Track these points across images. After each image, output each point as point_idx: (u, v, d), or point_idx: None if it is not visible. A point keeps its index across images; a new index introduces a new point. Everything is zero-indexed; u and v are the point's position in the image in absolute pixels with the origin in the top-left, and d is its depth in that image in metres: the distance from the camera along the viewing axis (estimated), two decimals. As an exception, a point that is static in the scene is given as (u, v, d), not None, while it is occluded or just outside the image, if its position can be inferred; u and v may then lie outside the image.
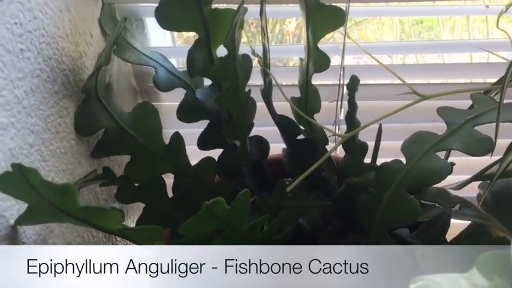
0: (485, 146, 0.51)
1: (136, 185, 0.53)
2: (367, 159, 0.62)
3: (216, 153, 0.59)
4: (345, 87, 0.60)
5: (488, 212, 0.65)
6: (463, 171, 0.67)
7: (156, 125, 0.54)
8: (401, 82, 0.56)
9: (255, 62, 0.57)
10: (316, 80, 0.63)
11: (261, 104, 0.59)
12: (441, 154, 0.59)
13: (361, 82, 0.59)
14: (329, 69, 0.69)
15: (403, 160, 0.53)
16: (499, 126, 0.51)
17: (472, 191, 0.67)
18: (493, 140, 0.51)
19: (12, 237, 0.35)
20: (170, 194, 0.55)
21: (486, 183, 0.66)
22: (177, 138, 0.56)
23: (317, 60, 0.55)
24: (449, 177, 0.73)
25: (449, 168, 0.50)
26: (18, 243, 0.36)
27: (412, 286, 0.31)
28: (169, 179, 0.56)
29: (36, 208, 0.35)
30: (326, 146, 0.60)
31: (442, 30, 1.31)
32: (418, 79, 0.70)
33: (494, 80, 0.70)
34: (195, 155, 0.58)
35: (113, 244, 0.57)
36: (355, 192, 0.57)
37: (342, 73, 0.66)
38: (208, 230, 0.40)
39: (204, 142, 0.58)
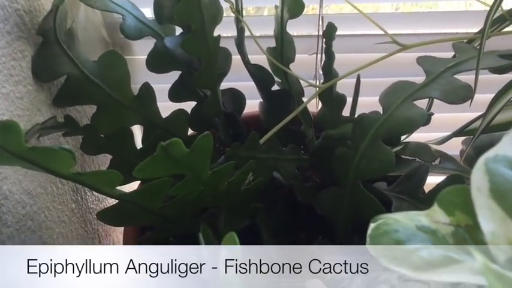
0: (464, 94, 0.49)
1: (103, 136, 0.51)
2: (346, 113, 0.60)
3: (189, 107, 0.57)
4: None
5: (470, 167, 0.64)
6: (447, 129, 0.66)
7: (124, 75, 0.52)
8: (382, 32, 0.54)
9: (228, 9, 0.55)
10: (294, 31, 0.61)
11: (237, 57, 0.57)
12: (424, 106, 0.57)
13: (341, 32, 0.57)
14: (308, 19, 0.67)
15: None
16: (478, 74, 0.49)
17: (456, 149, 0.66)
18: (472, 87, 0.49)
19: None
20: (139, 146, 0.53)
21: (469, 139, 0.64)
22: (147, 89, 0.54)
23: (291, 6, 0.53)
24: (432, 134, 0.71)
25: (425, 116, 0.48)
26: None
27: (372, 224, 0.30)
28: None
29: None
30: (303, 98, 0.59)
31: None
32: (400, 29, 0.68)
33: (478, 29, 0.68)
34: (167, 111, 0.56)
35: (81, 199, 0.55)
36: (332, 145, 0.55)
37: (320, 23, 0.64)
38: (166, 174, 0.38)
39: (175, 93, 0.56)
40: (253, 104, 0.63)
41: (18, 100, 0.42)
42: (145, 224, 0.51)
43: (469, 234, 0.28)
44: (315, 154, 0.58)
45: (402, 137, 0.63)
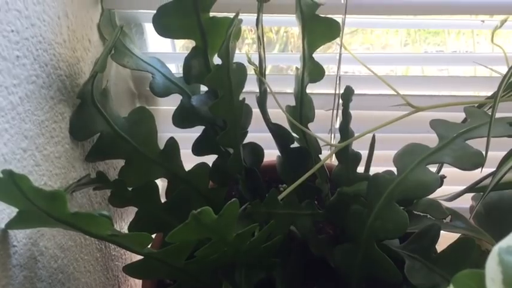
0: (475, 160, 0.51)
1: (130, 189, 0.53)
2: (361, 169, 0.63)
3: (210, 159, 0.60)
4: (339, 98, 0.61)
5: (479, 224, 0.66)
6: (457, 182, 0.68)
7: (151, 130, 0.55)
8: (396, 93, 0.57)
9: (251, 70, 0.58)
10: (313, 88, 0.64)
11: (257, 110, 0.60)
12: (434, 166, 0.60)
13: (357, 92, 0.60)
14: (326, 79, 0.70)
15: (396, 171, 0.54)
16: (490, 141, 0.52)
17: (465, 202, 0.68)
18: (484, 154, 0.52)
19: (3, 241, 0.36)
20: (163, 199, 0.55)
21: (479, 195, 0.66)
22: (172, 143, 0.57)
23: (312, 71, 0.56)
24: (442, 188, 0.73)
25: (438, 182, 0.51)
26: (8, 247, 0.37)
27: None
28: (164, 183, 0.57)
29: (26, 213, 0.35)
30: (319, 155, 0.61)
31: (447, 36, 1.31)
32: (415, 90, 0.71)
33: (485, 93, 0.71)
34: (190, 159, 0.58)
35: (105, 248, 0.57)
36: (346, 202, 0.57)
37: (338, 82, 0.67)
38: (195, 238, 0.41)
39: (198, 148, 0.59)
40: (271, 154, 0.66)
41: (56, 160, 0.44)
42: (168, 278, 0.53)
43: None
44: (329, 209, 0.61)
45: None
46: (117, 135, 0.52)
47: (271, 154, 0.65)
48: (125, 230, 0.65)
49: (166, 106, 0.72)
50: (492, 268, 0.28)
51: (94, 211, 0.38)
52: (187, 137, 0.59)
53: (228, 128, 0.53)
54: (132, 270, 0.47)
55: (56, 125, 0.44)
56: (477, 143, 0.53)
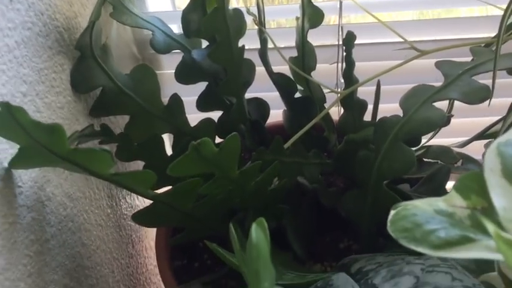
0: (482, 95, 0.51)
1: (136, 144, 0.54)
2: (368, 120, 0.62)
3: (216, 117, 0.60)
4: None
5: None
6: (468, 133, 0.67)
7: (155, 87, 0.55)
8: (401, 39, 0.56)
9: (251, 23, 0.57)
10: (315, 41, 0.63)
11: (260, 69, 0.60)
12: (444, 109, 0.59)
13: (360, 41, 0.59)
14: (328, 30, 0.70)
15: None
16: (496, 74, 0.51)
17: (478, 153, 0.67)
18: (490, 88, 0.51)
19: (7, 180, 0.36)
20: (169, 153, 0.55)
21: (491, 142, 0.65)
22: (176, 99, 0.57)
23: (311, 16, 0.55)
24: (452, 139, 0.72)
25: (444, 116, 0.50)
26: (13, 186, 0.37)
27: (392, 211, 0.31)
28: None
29: (27, 149, 0.36)
30: (324, 104, 0.61)
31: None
32: (419, 36, 0.69)
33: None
34: (195, 122, 0.58)
35: (116, 205, 0.58)
36: (354, 149, 0.57)
37: (340, 33, 0.66)
38: (197, 172, 0.41)
39: (202, 103, 0.59)
40: (276, 114, 0.65)
41: (59, 110, 0.45)
42: (176, 224, 0.54)
43: (484, 216, 0.29)
44: (337, 158, 0.60)
45: (424, 141, 0.65)
46: (121, 91, 0.53)
47: (277, 114, 0.65)
48: (136, 205, 0.66)
49: (170, 70, 0.72)
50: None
51: (94, 146, 0.38)
52: (191, 101, 0.59)
53: (228, 76, 0.52)
54: (140, 217, 0.48)
55: (56, 75, 0.45)
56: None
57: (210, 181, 0.42)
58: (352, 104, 0.59)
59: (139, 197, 0.66)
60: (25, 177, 0.39)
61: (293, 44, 0.60)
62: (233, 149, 0.40)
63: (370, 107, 0.61)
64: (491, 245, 0.28)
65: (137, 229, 0.65)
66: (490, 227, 0.23)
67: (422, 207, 0.31)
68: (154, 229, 0.68)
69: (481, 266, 0.41)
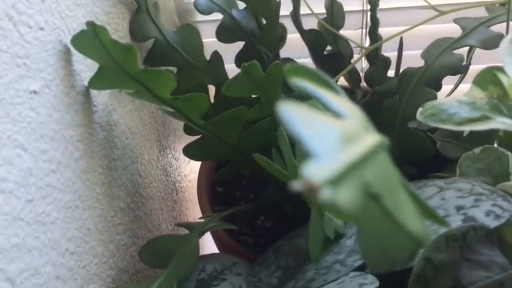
0: (497, 41, 0.56)
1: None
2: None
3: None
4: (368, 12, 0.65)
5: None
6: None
7: (198, 43, 0.61)
8: (424, 3, 0.61)
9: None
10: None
11: (290, 36, 0.66)
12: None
13: (383, 6, 0.65)
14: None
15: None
16: (509, 24, 0.56)
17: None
18: (505, 35, 0.56)
19: (87, 97, 0.42)
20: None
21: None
22: (217, 55, 0.63)
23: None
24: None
25: (462, 60, 0.55)
26: (91, 105, 0.43)
27: (420, 108, 0.37)
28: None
29: (105, 69, 0.42)
30: (352, 60, 0.66)
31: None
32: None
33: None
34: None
35: (163, 150, 0.64)
36: (379, 99, 0.62)
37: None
38: (246, 93, 0.46)
39: (241, 60, 0.65)
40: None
41: (121, 51, 0.51)
42: (222, 158, 0.59)
43: (501, 102, 0.34)
44: (364, 109, 0.65)
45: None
46: (169, 45, 0.59)
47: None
48: (179, 158, 0.72)
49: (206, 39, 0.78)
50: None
51: (161, 67, 0.44)
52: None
53: (266, 28, 0.58)
54: (190, 150, 0.54)
55: (119, 21, 0.51)
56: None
57: (256, 105, 0.48)
58: (376, 59, 0.65)
59: (181, 153, 0.72)
60: (99, 99, 0.45)
61: (323, 10, 0.66)
62: (277, 75, 0.45)
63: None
64: (506, 121, 0.33)
65: (180, 180, 0.71)
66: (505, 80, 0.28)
67: (446, 101, 0.36)
68: (195, 184, 0.75)
69: (498, 178, 0.46)
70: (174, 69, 0.60)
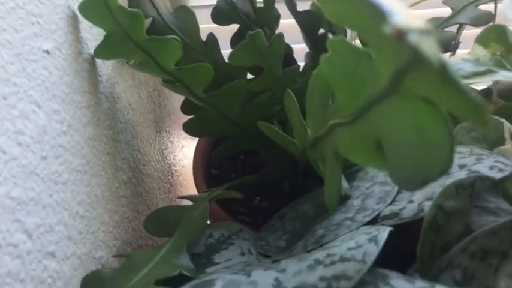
0: (486, 18, 0.58)
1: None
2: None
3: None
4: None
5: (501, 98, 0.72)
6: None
7: (195, 25, 0.62)
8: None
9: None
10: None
11: (283, 22, 0.67)
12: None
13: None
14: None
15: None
16: (497, 3, 0.59)
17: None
18: (493, 13, 0.58)
19: (92, 65, 0.42)
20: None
21: None
22: (212, 37, 0.63)
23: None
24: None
25: (454, 36, 0.57)
26: (96, 74, 0.43)
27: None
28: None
29: (111, 36, 0.42)
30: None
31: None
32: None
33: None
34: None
35: (159, 131, 0.64)
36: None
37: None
38: (250, 63, 0.47)
39: (236, 42, 0.66)
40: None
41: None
42: (222, 134, 0.59)
43: (503, 58, 0.36)
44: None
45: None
46: (166, 25, 0.59)
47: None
48: (174, 142, 0.72)
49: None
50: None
51: (167, 36, 0.44)
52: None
53: (261, 10, 0.59)
54: (189, 126, 0.54)
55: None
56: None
57: (258, 77, 0.48)
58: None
59: (175, 137, 0.72)
60: (103, 70, 0.45)
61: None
62: (279, 46, 0.46)
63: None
64: (509, 74, 0.34)
65: (175, 163, 0.71)
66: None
67: (451, 60, 0.37)
68: (188, 170, 0.75)
69: (493, 145, 0.48)
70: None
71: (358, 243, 0.28)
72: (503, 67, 0.35)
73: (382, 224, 0.35)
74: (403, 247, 0.34)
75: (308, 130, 0.38)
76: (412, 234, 0.34)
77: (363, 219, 0.36)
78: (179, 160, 0.74)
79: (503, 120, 0.49)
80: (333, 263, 0.27)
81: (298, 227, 0.43)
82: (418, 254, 0.32)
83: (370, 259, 0.27)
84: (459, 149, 0.45)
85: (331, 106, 0.33)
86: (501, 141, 0.48)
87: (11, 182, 0.29)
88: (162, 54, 0.44)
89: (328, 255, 0.28)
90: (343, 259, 0.27)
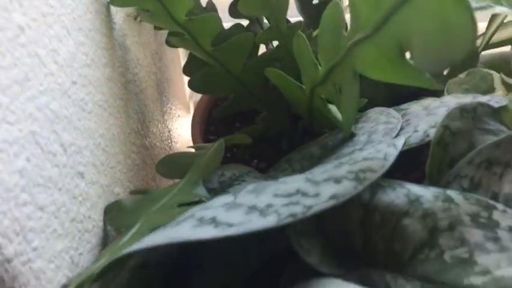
0: None
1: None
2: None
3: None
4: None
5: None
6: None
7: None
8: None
9: None
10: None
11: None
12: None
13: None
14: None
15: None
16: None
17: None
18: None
19: (107, 12, 0.44)
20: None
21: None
22: (212, 5, 0.65)
23: None
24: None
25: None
26: (111, 21, 0.45)
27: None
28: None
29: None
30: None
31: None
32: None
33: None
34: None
35: (163, 83, 0.65)
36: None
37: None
38: (259, 13, 0.49)
39: (233, 10, 0.68)
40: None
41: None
42: (225, 92, 0.61)
43: (499, -3, 0.39)
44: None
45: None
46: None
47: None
48: (170, 113, 0.73)
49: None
50: None
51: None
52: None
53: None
54: (194, 82, 0.56)
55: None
56: None
57: (264, 30, 0.51)
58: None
59: (172, 109, 0.73)
60: (116, 19, 0.46)
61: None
62: (285, 1, 0.49)
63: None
64: (504, 9, 0.37)
65: (173, 129, 0.72)
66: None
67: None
68: (186, 138, 0.76)
69: (485, 94, 0.51)
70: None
71: (378, 149, 0.31)
72: (500, 3, 0.38)
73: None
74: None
75: (319, 67, 0.40)
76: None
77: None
78: (176, 128, 0.75)
79: (492, 71, 0.53)
80: (356, 162, 0.29)
81: (306, 165, 0.45)
82: (427, 170, 0.35)
83: (391, 158, 0.29)
84: (455, 95, 0.48)
85: (348, 32, 0.35)
86: (491, 90, 0.51)
87: (50, 94, 0.30)
88: (173, 4, 0.45)
89: (351, 159, 0.30)
90: (366, 159, 0.29)
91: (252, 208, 0.25)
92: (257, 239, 0.34)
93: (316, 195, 0.26)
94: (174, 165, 0.47)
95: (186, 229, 0.24)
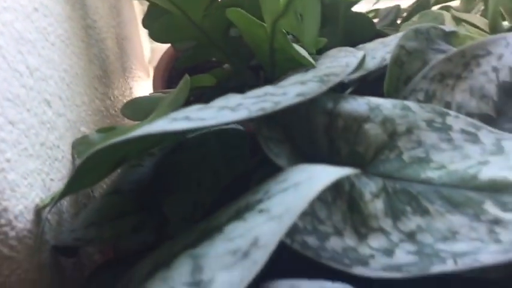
0: None
1: None
2: None
3: None
4: None
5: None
6: None
7: None
8: None
9: None
10: None
11: None
12: None
13: None
14: None
15: None
16: None
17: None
18: None
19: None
20: None
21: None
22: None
23: None
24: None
25: None
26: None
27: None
28: None
29: None
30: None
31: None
32: None
33: None
34: None
35: (123, 39, 0.65)
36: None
37: None
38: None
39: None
40: None
41: None
42: (185, 39, 0.61)
43: None
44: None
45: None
46: None
47: None
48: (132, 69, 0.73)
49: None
50: None
51: None
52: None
53: None
54: (154, 31, 0.56)
55: None
56: None
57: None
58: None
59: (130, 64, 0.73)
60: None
61: None
62: None
63: None
64: None
65: (134, 87, 0.72)
66: None
67: None
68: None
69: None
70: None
71: (339, 60, 0.32)
72: None
73: (351, 75, 0.39)
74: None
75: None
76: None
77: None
78: (136, 89, 0.75)
79: (443, 11, 0.55)
80: (320, 69, 0.30)
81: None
82: (385, 88, 0.37)
83: (352, 65, 0.31)
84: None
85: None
86: (442, 29, 0.54)
87: (13, 13, 0.30)
88: None
89: (313, 73, 0.32)
90: (329, 67, 0.31)
91: (223, 107, 0.26)
92: (226, 160, 0.36)
93: (284, 94, 0.27)
94: (140, 106, 0.47)
95: (161, 124, 0.24)
